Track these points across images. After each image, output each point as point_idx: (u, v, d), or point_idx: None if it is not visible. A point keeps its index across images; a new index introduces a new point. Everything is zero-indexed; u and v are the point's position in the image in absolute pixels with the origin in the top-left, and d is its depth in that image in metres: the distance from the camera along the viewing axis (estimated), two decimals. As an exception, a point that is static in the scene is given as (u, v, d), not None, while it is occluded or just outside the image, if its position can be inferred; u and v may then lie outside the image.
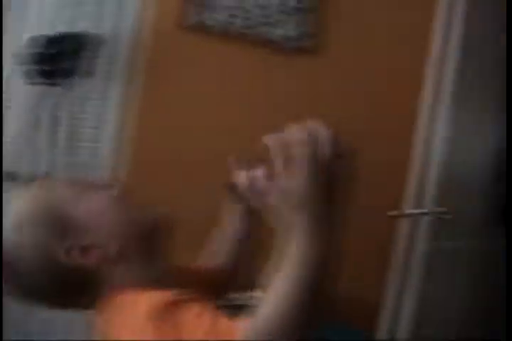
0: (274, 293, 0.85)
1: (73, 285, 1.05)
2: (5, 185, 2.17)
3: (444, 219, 2.58)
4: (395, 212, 2.53)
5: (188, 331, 0.89)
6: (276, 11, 2.50)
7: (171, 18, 2.39)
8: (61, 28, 2.13)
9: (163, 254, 1.15)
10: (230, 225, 1.37)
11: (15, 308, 2.12)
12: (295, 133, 0.81)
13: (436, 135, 2.72)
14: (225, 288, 1.43)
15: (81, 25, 2.15)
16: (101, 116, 2.33)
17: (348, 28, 2.65)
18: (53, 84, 2.14)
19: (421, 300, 2.71)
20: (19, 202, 1.09)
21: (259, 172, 1.15)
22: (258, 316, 0.85)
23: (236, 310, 0.95)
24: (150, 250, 1.11)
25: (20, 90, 2.21)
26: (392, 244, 2.70)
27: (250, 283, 1.44)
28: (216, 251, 1.41)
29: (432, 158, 2.72)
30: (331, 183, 0.81)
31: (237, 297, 1.56)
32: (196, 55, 2.44)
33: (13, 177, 2.20)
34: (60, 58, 2.10)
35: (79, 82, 2.20)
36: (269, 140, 0.79)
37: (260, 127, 2.35)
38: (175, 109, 2.45)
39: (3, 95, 2.19)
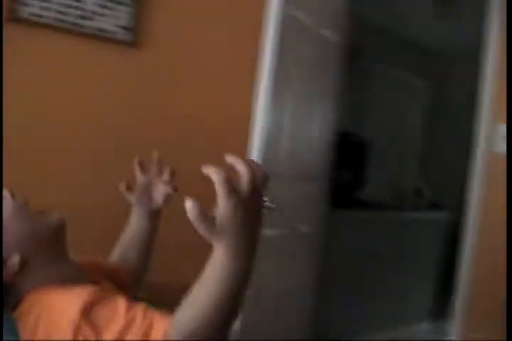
0: (197, 299, 0.98)
1: None
2: None
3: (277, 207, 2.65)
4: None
5: (119, 324, 1.04)
6: (93, 4, 2.46)
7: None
8: None
9: (66, 253, 1.30)
10: (133, 225, 1.55)
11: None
12: (240, 168, 0.92)
13: (269, 125, 2.75)
14: (133, 284, 1.56)
15: None
16: None
17: (168, 21, 2.66)
18: None
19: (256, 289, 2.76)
20: None
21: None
22: (182, 315, 0.99)
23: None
24: (53, 251, 1.25)
25: None
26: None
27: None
28: (121, 250, 1.56)
29: (268, 147, 2.76)
30: (252, 214, 0.93)
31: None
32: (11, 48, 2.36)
33: None
34: None
35: None
36: (212, 173, 0.89)
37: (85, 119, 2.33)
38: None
39: None
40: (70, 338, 1.05)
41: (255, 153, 2.63)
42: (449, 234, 4.76)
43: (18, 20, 2.32)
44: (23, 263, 1.19)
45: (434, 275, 4.57)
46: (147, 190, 1.53)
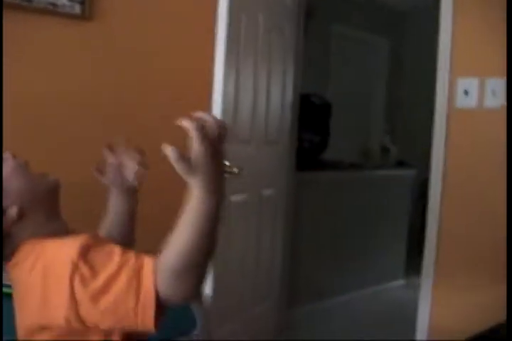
0: (178, 237, 1.11)
1: None
2: None
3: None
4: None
5: (114, 264, 1.15)
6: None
7: None
8: None
9: (59, 213, 1.41)
10: (112, 206, 1.60)
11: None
12: (203, 119, 1.13)
13: (229, 90, 2.72)
14: None
15: None
16: None
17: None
18: None
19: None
20: None
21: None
22: (165, 254, 1.11)
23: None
24: (49, 208, 1.37)
25: None
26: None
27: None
28: (106, 231, 1.60)
29: (229, 111, 2.73)
30: (218, 155, 1.12)
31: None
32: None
33: None
34: None
35: None
36: (186, 123, 1.08)
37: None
38: None
39: None
40: (68, 277, 1.15)
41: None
42: (418, 192, 4.81)
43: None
44: (21, 214, 1.30)
45: (406, 233, 4.62)
46: (118, 170, 1.56)
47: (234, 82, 2.73)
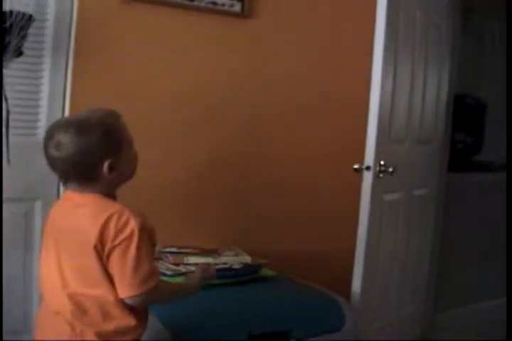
0: (168, 288, 1.83)
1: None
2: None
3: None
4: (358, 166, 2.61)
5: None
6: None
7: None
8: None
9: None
10: None
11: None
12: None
13: (385, 90, 2.69)
14: None
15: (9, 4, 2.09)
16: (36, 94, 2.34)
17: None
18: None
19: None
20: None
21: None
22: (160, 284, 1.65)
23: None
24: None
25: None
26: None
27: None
28: None
29: (385, 112, 2.71)
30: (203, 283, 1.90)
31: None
32: (135, 26, 2.45)
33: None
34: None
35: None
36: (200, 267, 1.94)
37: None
38: (119, 81, 2.46)
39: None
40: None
41: (373, 119, 2.59)
42: None
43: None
44: (111, 168, 1.59)
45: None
46: None
47: (391, 81, 2.71)
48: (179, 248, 2.45)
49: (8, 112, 2.15)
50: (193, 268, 2.21)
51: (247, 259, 2.43)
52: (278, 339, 2.21)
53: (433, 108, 3.15)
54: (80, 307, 1.57)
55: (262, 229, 2.81)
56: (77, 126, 1.56)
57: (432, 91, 3.09)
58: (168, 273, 2.24)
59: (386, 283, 2.94)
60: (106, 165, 1.57)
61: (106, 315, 1.57)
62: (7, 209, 2.25)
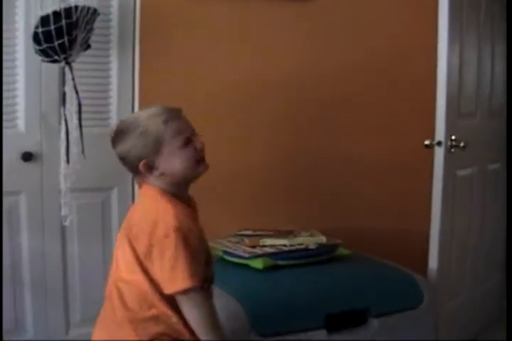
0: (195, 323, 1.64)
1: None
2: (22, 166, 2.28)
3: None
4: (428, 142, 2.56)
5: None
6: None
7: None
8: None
9: None
10: None
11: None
12: None
13: (454, 67, 2.64)
14: None
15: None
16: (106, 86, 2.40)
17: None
18: (67, 59, 2.15)
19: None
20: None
21: None
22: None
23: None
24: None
25: (37, 70, 2.25)
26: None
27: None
28: None
29: (454, 87, 2.66)
30: None
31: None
32: (199, 16, 2.48)
33: (29, 158, 2.29)
34: (70, 31, 2.10)
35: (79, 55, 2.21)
36: None
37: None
38: (185, 71, 2.50)
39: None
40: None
41: (441, 93, 2.55)
42: None
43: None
44: (148, 167, 1.61)
45: None
46: None
47: (458, 55, 2.65)
48: (254, 230, 2.48)
49: (79, 105, 2.21)
50: (269, 250, 2.26)
51: (322, 239, 2.44)
52: (356, 317, 2.22)
53: (502, 81, 3.09)
54: (120, 294, 1.62)
55: (335, 209, 2.82)
56: (121, 127, 1.64)
57: (500, 64, 3.04)
58: (246, 255, 2.26)
59: (462, 259, 2.90)
60: (141, 165, 1.60)
61: (142, 303, 1.60)
62: (85, 198, 2.35)
